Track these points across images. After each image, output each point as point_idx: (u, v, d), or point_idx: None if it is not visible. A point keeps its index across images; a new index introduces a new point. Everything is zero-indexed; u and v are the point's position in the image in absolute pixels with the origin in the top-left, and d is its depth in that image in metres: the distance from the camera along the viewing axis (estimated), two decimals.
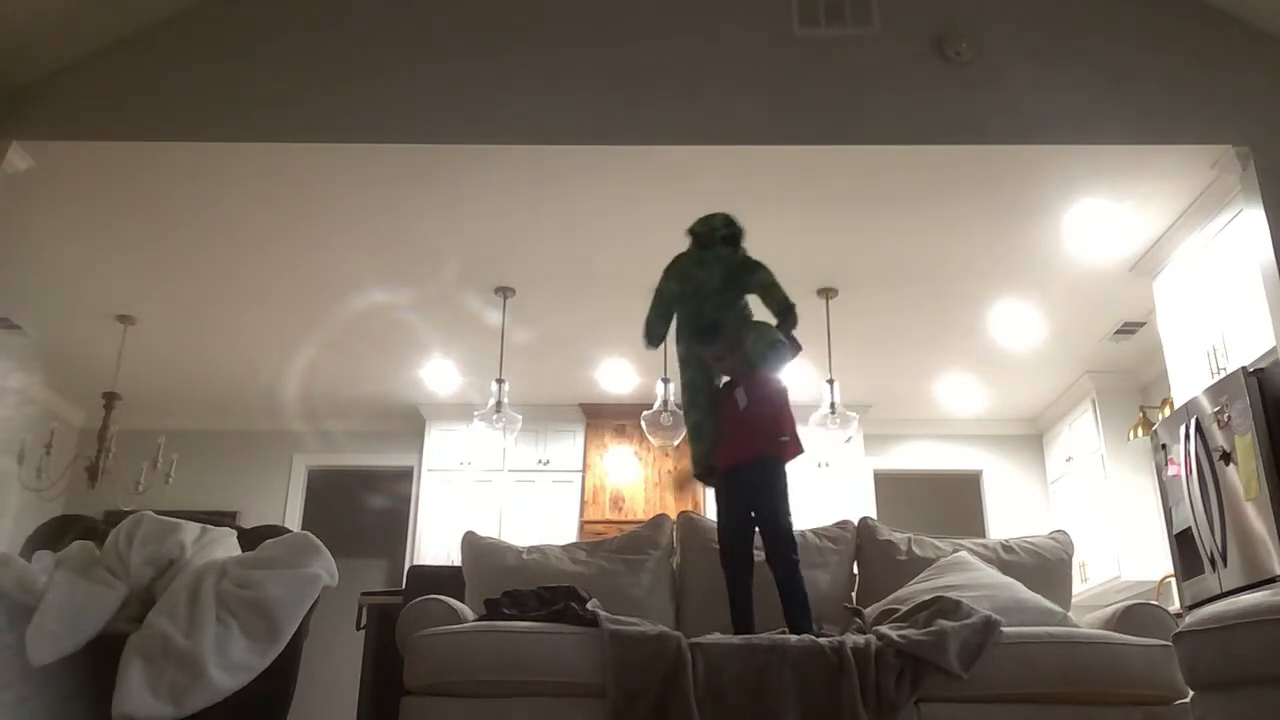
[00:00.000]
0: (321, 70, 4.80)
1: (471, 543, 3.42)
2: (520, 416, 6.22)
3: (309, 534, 3.23)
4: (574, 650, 2.70)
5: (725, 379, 3.41)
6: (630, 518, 7.25)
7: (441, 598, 2.96)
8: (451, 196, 5.17)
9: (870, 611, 3.13)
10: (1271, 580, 4.00)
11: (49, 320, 6.40)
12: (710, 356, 3.32)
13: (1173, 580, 5.02)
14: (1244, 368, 4.33)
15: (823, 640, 2.76)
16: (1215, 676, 2.33)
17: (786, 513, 3.17)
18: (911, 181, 5.00)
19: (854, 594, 3.43)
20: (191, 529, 3.19)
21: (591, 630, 2.75)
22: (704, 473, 3.38)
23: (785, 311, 3.34)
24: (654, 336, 3.44)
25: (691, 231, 3.43)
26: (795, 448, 3.25)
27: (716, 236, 3.36)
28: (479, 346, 6.61)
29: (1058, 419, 7.74)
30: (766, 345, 3.26)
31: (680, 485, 7.45)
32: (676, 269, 3.42)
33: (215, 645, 2.79)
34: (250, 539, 3.33)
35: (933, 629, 2.73)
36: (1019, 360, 6.95)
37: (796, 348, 3.38)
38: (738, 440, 3.25)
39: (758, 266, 3.40)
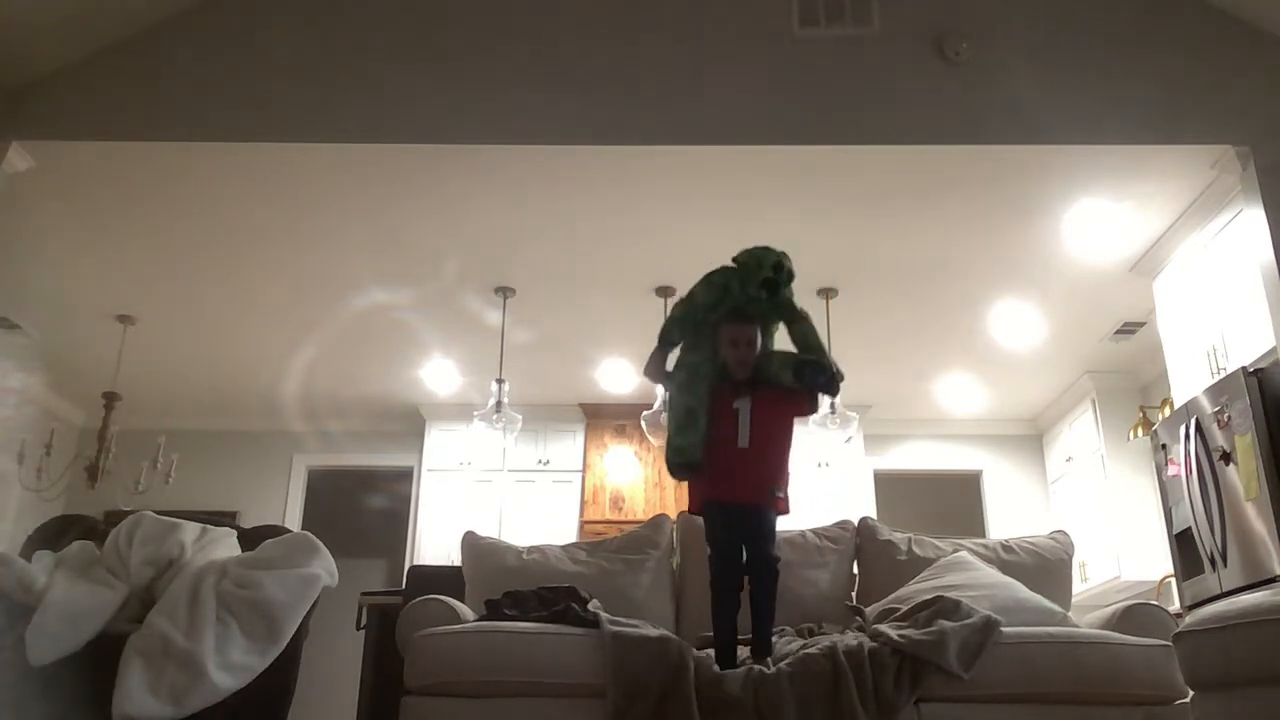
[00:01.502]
0: (322, 70, 4.80)
1: (471, 543, 3.42)
2: (520, 416, 6.22)
3: (309, 534, 3.23)
4: (575, 651, 2.70)
5: (725, 379, 3.07)
6: (630, 518, 7.25)
7: (441, 598, 2.96)
8: (451, 196, 5.17)
9: (870, 611, 3.14)
10: (1271, 580, 4.00)
11: (49, 320, 6.39)
12: (741, 335, 3.00)
13: (1173, 580, 5.02)
14: (1244, 368, 4.33)
15: (820, 640, 2.76)
16: (1215, 676, 2.33)
17: (775, 551, 2.96)
18: (911, 181, 5.00)
19: (854, 594, 3.43)
20: (191, 529, 3.19)
21: (592, 631, 2.75)
22: (686, 468, 3.01)
23: (830, 382, 2.97)
24: (670, 340, 3.14)
25: (736, 261, 3.12)
26: (784, 506, 3.00)
27: (757, 278, 3.01)
28: (479, 346, 6.61)
29: (1058, 419, 7.74)
30: (790, 365, 2.95)
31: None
32: (718, 279, 3.10)
33: (215, 645, 2.79)
34: (250, 539, 3.33)
35: (933, 629, 2.73)
36: (1019, 360, 6.95)
37: (819, 396, 3.05)
38: (741, 478, 2.96)
39: (803, 318, 3.09)
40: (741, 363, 3.01)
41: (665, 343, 3.14)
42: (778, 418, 3.01)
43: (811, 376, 2.96)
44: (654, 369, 3.17)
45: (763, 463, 2.96)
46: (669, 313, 3.20)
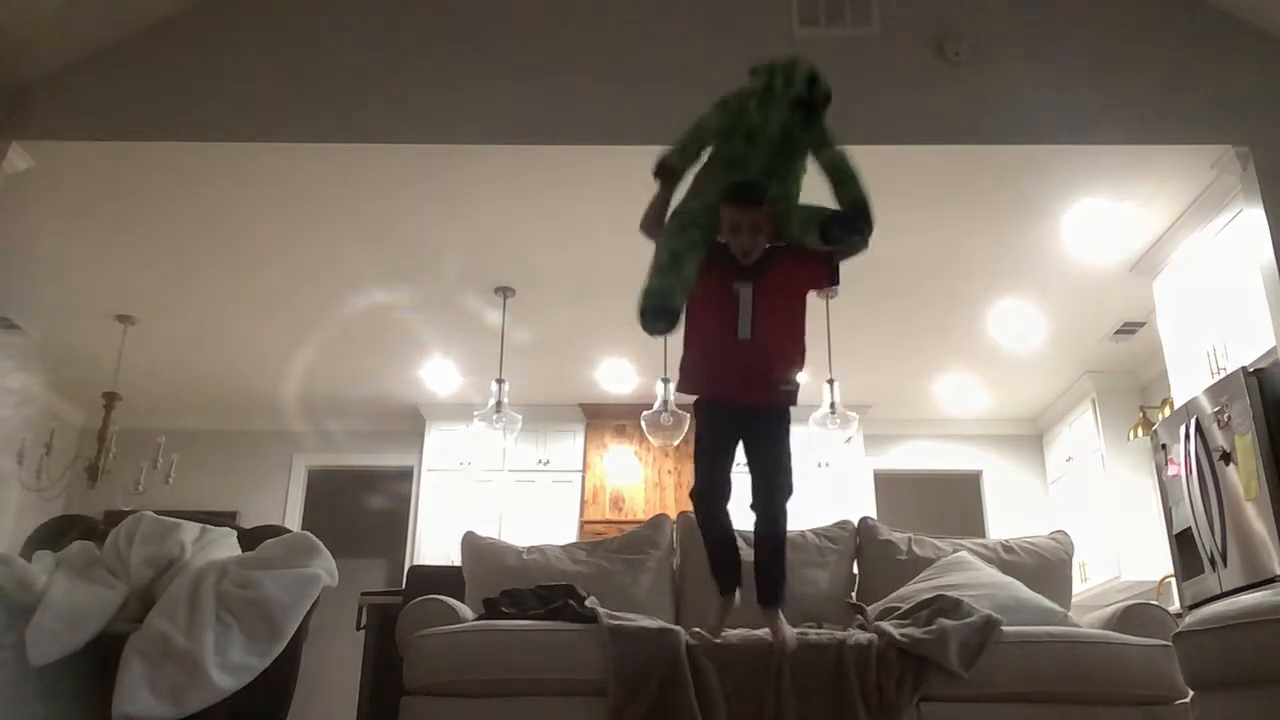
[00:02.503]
0: (322, 71, 4.80)
1: (471, 543, 3.42)
2: (520, 416, 6.22)
3: (308, 534, 3.23)
4: (573, 647, 2.70)
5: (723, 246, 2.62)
6: (630, 518, 7.25)
7: (441, 598, 2.96)
8: (451, 196, 5.17)
9: (871, 610, 3.14)
10: (1271, 580, 4.00)
11: (49, 320, 6.39)
12: (743, 218, 2.54)
13: (1173, 580, 5.02)
14: (1244, 368, 4.33)
15: (822, 637, 2.76)
16: (1215, 676, 2.33)
17: (788, 481, 2.67)
18: (912, 181, 4.99)
19: (854, 594, 3.43)
20: (191, 529, 3.19)
21: (591, 627, 2.75)
22: (663, 315, 2.55)
23: (857, 215, 2.56)
24: (670, 169, 2.64)
25: (755, 72, 2.60)
26: (793, 398, 2.66)
27: (788, 94, 2.49)
28: (479, 346, 6.61)
29: (1058, 419, 7.74)
30: (816, 223, 2.51)
31: None
32: (731, 102, 2.63)
33: (215, 645, 2.79)
34: (250, 539, 3.33)
35: (933, 627, 2.73)
36: (1019, 360, 6.95)
37: (838, 267, 2.62)
38: (741, 375, 2.62)
39: (832, 144, 2.64)
40: (745, 252, 2.60)
41: (666, 173, 2.65)
42: (788, 300, 2.65)
43: (840, 236, 2.54)
44: (653, 217, 2.69)
45: (767, 357, 2.62)
46: (675, 142, 2.70)
